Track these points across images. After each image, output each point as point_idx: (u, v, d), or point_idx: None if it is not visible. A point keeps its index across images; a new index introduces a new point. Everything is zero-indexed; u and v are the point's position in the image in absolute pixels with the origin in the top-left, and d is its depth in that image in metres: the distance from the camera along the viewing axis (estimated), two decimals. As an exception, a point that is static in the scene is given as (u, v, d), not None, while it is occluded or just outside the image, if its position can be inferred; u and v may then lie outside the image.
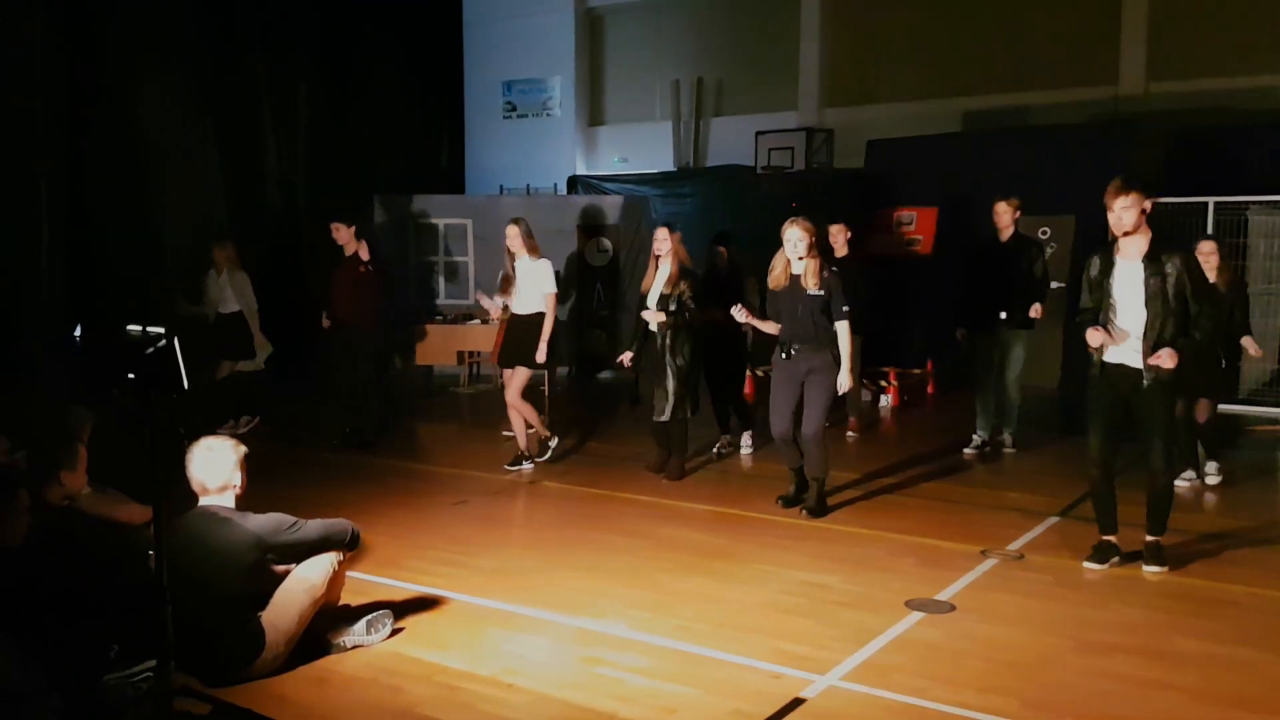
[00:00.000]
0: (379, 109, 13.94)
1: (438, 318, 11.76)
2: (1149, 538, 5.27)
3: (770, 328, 6.22)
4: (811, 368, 6.05)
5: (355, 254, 8.16)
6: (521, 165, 15.80)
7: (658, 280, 7.03)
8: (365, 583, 4.99)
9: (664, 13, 15.82)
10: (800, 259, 6.03)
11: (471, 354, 11.81)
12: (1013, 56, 12.83)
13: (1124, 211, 4.94)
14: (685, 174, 15.29)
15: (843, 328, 6.02)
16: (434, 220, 12.39)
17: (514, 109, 16.85)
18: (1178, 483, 6.35)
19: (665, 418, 7.02)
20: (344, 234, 8.16)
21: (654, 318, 6.96)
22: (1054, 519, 6.22)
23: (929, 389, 10.92)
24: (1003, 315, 7.71)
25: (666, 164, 15.63)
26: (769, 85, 14.97)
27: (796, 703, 3.77)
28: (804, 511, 6.22)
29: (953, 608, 4.74)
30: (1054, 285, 8.54)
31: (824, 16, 14.41)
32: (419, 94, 14.99)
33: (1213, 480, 6.90)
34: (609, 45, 16.46)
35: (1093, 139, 11.09)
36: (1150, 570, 5.18)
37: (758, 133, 13.87)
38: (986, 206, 8.06)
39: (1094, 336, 5.06)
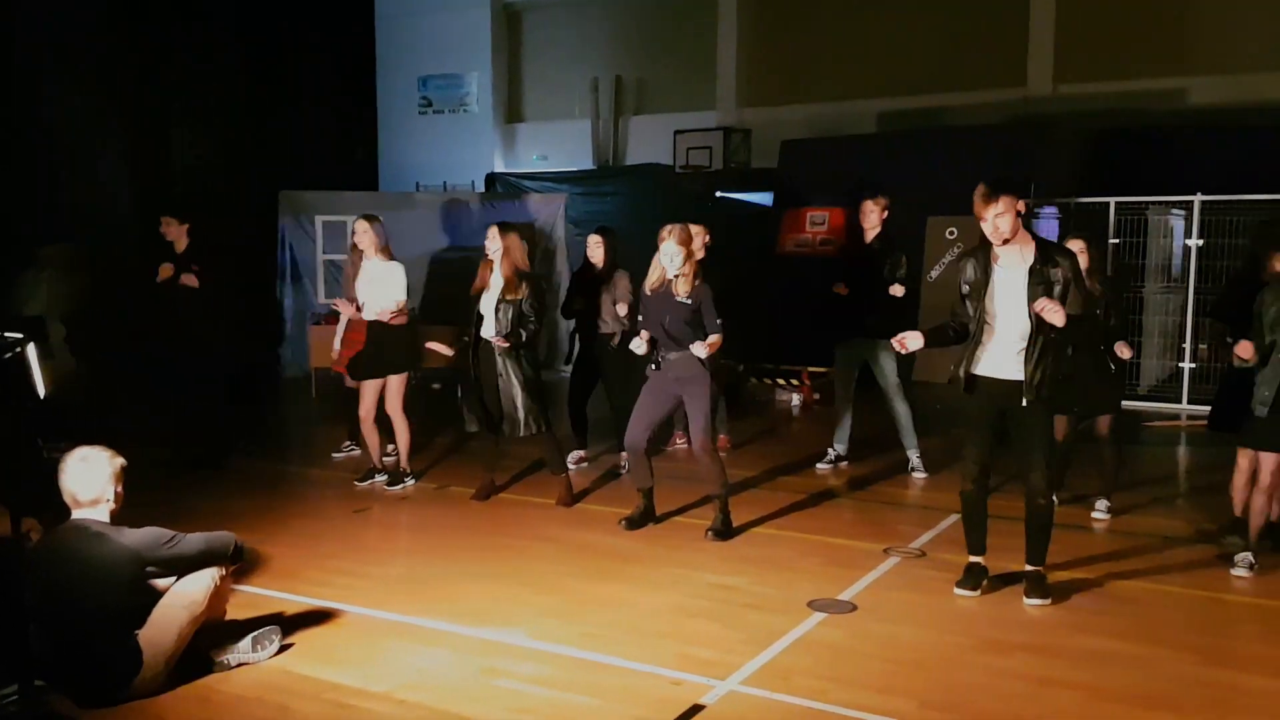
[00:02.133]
0: (291, 103, 13.61)
1: (319, 318, 11.43)
2: (1029, 566, 4.88)
3: (640, 346, 5.86)
4: (681, 378, 5.74)
5: (186, 253, 7.39)
6: (438, 162, 15.58)
7: (492, 285, 6.39)
8: (258, 597, 4.81)
9: (583, 10, 15.73)
10: (678, 271, 5.71)
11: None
12: (926, 59, 13.03)
13: (998, 219, 4.53)
14: (605, 172, 15.22)
15: (716, 338, 5.69)
16: (343, 217, 12.10)
17: (430, 105, 16.60)
18: (1096, 514, 6.26)
19: (519, 434, 6.43)
20: (174, 230, 7.41)
21: (442, 350, 6.67)
22: (955, 516, 6.24)
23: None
24: (863, 323, 7.19)
25: (586, 162, 15.56)
26: (688, 84, 15.00)
27: (696, 709, 3.72)
28: (709, 533, 5.85)
29: (854, 607, 4.74)
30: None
31: (742, 17, 14.47)
32: (332, 88, 14.68)
33: (1100, 518, 6.27)
34: (527, 42, 16.32)
35: (1002, 140, 11.31)
36: (1032, 603, 4.78)
37: (676, 131, 13.88)
38: (897, 208, 8.01)
39: (913, 340, 4.81)
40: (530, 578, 5.17)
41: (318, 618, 4.58)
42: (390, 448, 7.20)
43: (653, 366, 5.85)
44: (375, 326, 6.81)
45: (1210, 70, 11.57)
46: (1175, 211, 10.69)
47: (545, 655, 4.22)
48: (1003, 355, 4.69)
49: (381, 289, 6.80)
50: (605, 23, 15.61)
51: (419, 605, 4.76)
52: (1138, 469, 7.46)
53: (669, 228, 5.71)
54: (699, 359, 5.66)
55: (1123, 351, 6.06)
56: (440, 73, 16.35)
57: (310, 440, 8.97)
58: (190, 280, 7.31)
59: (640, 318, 5.95)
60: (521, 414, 6.37)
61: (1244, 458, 5.57)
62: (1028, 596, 4.83)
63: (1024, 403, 4.63)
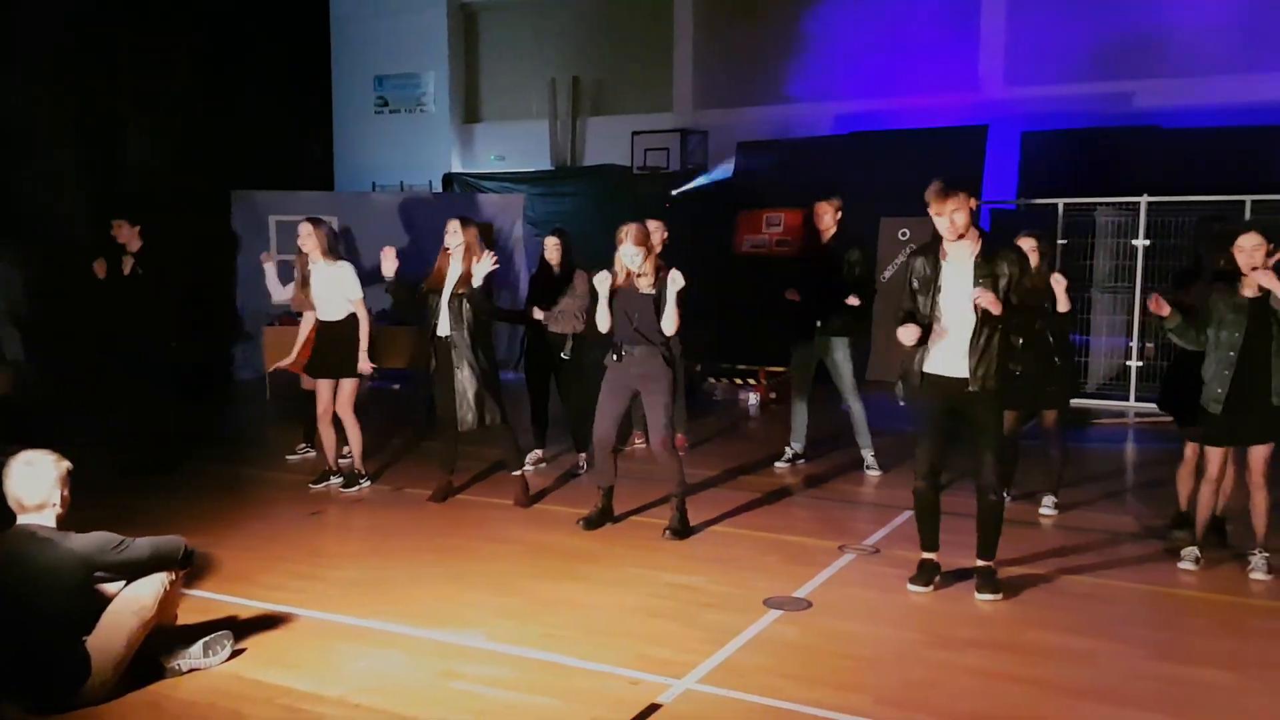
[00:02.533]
0: (245, 102, 13.42)
1: (299, 318, 11.30)
2: (980, 561, 4.95)
3: (603, 319, 5.82)
4: (644, 373, 5.75)
5: (136, 254, 7.41)
6: (395, 162, 15.47)
7: (450, 278, 6.37)
8: (210, 601, 4.75)
9: (540, 11, 15.70)
10: (640, 274, 5.73)
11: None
12: (880, 62, 13.16)
13: (955, 214, 4.63)
14: (563, 173, 15.21)
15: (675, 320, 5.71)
16: (296, 217, 11.95)
17: (386, 104, 16.47)
18: (1044, 510, 6.36)
19: (472, 426, 6.36)
20: (126, 232, 7.42)
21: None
22: (908, 512, 6.31)
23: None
24: (819, 323, 7.26)
25: (544, 163, 15.53)
26: (645, 86, 15.02)
27: (653, 708, 3.73)
28: (667, 533, 5.85)
29: (810, 605, 4.78)
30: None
31: (698, 19, 14.52)
32: (287, 87, 14.48)
33: (1048, 514, 6.37)
34: (484, 42, 16.26)
35: (954, 142, 11.47)
36: (983, 598, 4.86)
37: (634, 133, 13.89)
38: (851, 209, 8.08)
39: (906, 333, 4.77)
40: (488, 579, 5.15)
41: (270, 622, 4.52)
42: (346, 449, 7.15)
43: (614, 358, 5.83)
44: (330, 328, 6.80)
45: (1155, 73, 11.81)
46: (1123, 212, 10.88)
47: (503, 657, 4.21)
48: (953, 352, 4.76)
49: (336, 289, 6.78)
50: (563, 23, 15.59)
51: (374, 608, 4.72)
52: (1087, 466, 7.59)
53: (625, 228, 5.73)
54: (662, 356, 5.71)
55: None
56: (396, 72, 16.23)
57: (264, 442, 8.86)
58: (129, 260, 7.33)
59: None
60: (474, 408, 6.32)
61: (1190, 451, 5.69)
62: (979, 592, 4.89)
63: (970, 391, 4.69)
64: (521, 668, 4.11)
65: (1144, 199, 10.32)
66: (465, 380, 6.32)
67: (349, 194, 13.60)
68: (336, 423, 6.94)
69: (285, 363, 7.60)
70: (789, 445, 7.72)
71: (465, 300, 6.26)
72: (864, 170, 11.32)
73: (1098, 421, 9.69)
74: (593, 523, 6.02)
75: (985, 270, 4.67)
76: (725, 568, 5.32)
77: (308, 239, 6.79)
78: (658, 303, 5.71)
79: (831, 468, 7.62)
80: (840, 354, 7.28)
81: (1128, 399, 10.37)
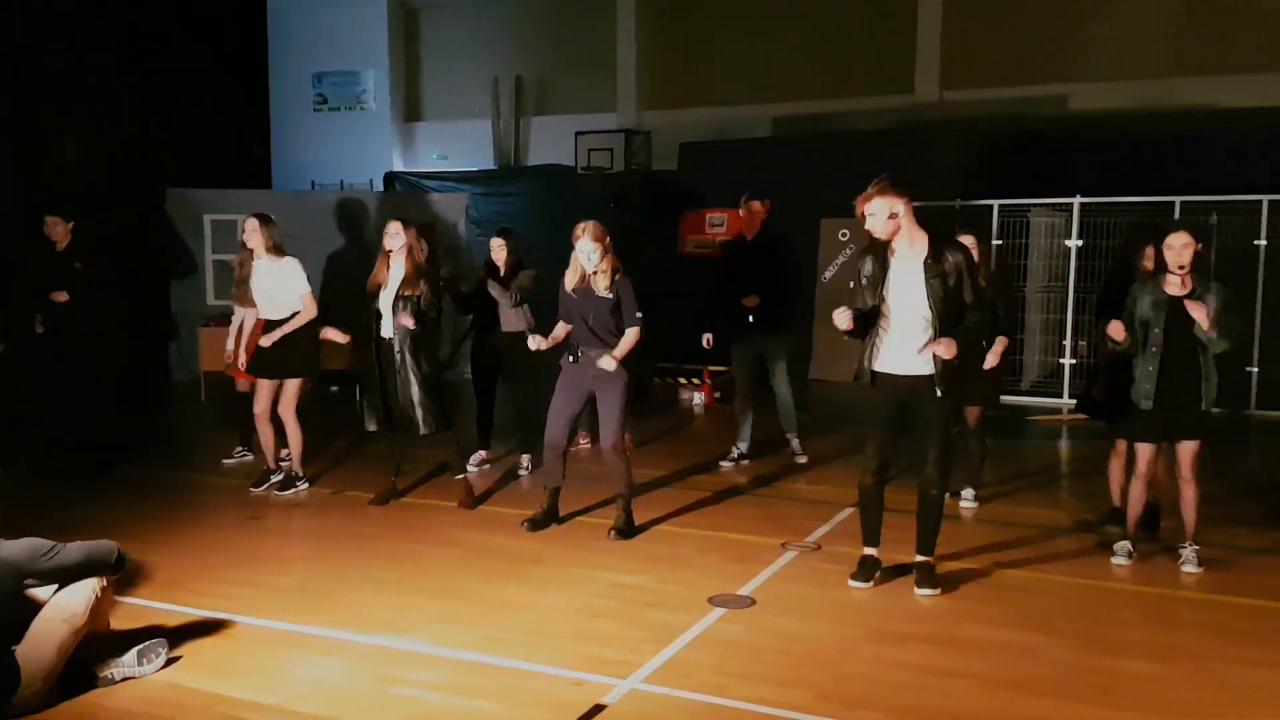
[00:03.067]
0: (180, 98, 13.13)
1: (209, 321, 11.08)
2: (919, 557, 5.02)
3: (561, 330, 5.91)
4: (599, 374, 5.75)
5: (68, 251, 7.36)
6: (334, 160, 15.30)
7: (391, 280, 6.30)
8: (143, 608, 4.65)
9: (482, 9, 15.62)
10: (595, 271, 5.75)
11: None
12: (819, 65, 13.32)
13: (874, 215, 4.71)
14: (507, 173, 15.15)
15: (632, 333, 5.77)
16: (232, 216, 11.75)
17: (325, 101, 16.28)
18: (964, 503, 6.48)
19: (420, 432, 6.34)
20: (59, 230, 7.35)
21: (337, 337, 6.48)
22: (850, 509, 6.41)
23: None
24: (750, 319, 7.34)
25: (487, 162, 15.46)
26: (589, 86, 15.03)
27: (598, 709, 3.73)
28: (612, 533, 5.86)
29: (753, 602, 4.82)
30: (851, 285, 8.68)
31: (640, 20, 14.56)
32: (223, 84, 14.20)
33: (968, 506, 6.52)
34: (425, 39, 16.14)
35: (891, 144, 11.64)
36: (922, 593, 4.92)
37: (578, 133, 13.88)
38: (792, 210, 8.19)
39: (840, 317, 4.74)
40: (430, 583, 5.11)
41: (206, 629, 4.44)
42: (285, 452, 7.06)
43: (570, 359, 5.85)
44: (270, 326, 6.71)
45: (1088, 77, 12.09)
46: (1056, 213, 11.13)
47: (445, 661, 4.17)
48: (903, 350, 4.80)
49: (283, 286, 6.69)
50: (505, 22, 15.53)
51: (313, 614, 4.66)
52: (1021, 462, 7.74)
53: (582, 225, 5.73)
54: (617, 357, 5.71)
55: (993, 357, 6.22)
56: (335, 69, 16.05)
57: (199, 445, 8.69)
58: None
59: (560, 313, 5.95)
60: (419, 413, 6.29)
61: (1121, 447, 5.84)
62: (918, 587, 4.96)
63: (937, 394, 4.75)
64: (464, 671, 4.08)
65: (1077, 200, 10.56)
66: (407, 385, 6.27)
67: (288, 193, 13.39)
68: (276, 423, 6.85)
69: (238, 363, 7.42)
70: (735, 445, 7.76)
71: (408, 303, 6.19)
72: (804, 171, 11.45)
73: (1033, 419, 9.89)
74: (538, 524, 6.01)
75: (934, 270, 4.71)
76: (669, 567, 5.33)
77: (254, 234, 6.71)
78: (614, 304, 5.73)
79: (775, 467, 7.68)
80: (777, 349, 7.44)
81: (1061, 396, 10.61)
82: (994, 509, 6.50)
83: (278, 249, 6.74)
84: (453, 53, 15.86)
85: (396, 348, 6.27)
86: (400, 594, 4.95)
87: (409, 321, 6.14)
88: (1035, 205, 10.90)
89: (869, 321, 4.86)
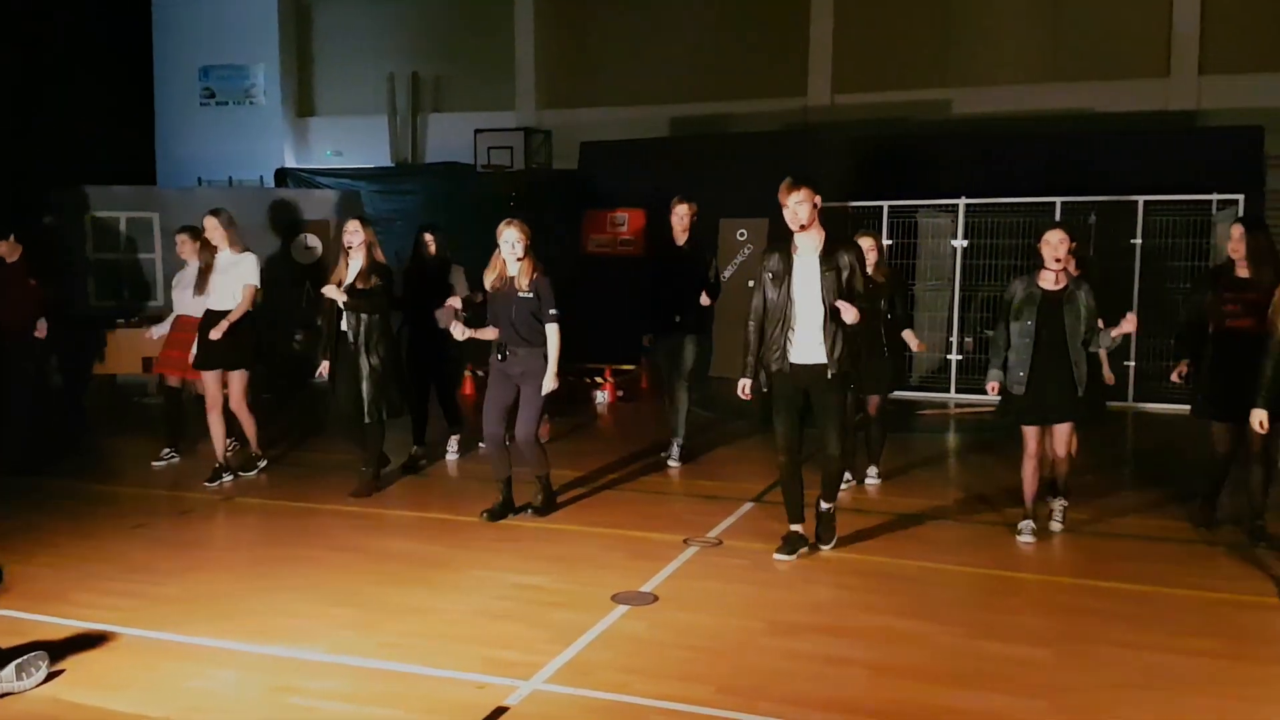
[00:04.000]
0: (59, 93, 12.58)
1: (119, 321, 10.71)
2: (823, 504, 5.51)
3: (489, 334, 6.07)
4: (525, 370, 6.00)
5: (17, 263, 7.58)
6: (223, 156, 14.84)
7: (349, 274, 6.66)
8: (20, 621, 4.45)
9: (376, 4, 15.37)
10: (517, 260, 5.95)
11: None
12: (716, 68, 13.49)
13: (798, 206, 5.10)
14: (404, 170, 14.93)
15: (552, 330, 5.97)
16: (115, 214, 11.31)
17: (213, 96, 15.80)
18: (869, 480, 6.96)
19: (366, 420, 6.62)
20: (3, 247, 7.57)
21: (336, 294, 6.55)
22: (750, 504, 6.56)
23: (643, 384, 11.23)
24: (677, 318, 7.53)
25: (383, 159, 15.21)
26: (487, 84, 14.92)
27: (500, 711, 3.71)
28: (530, 510, 6.18)
29: (656, 598, 4.86)
30: (751, 284, 8.88)
31: (539, 19, 14.51)
32: (105, 78, 13.65)
33: (872, 483, 7.01)
34: (318, 33, 15.79)
35: (785, 146, 11.85)
36: (824, 548, 5.52)
37: (477, 131, 13.76)
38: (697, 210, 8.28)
39: (743, 387, 5.40)
40: (326, 590, 5.01)
41: (89, 642, 4.27)
42: (230, 442, 7.33)
43: (498, 357, 6.05)
44: (218, 318, 6.85)
45: (971, 82, 12.52)
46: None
47: (342, 669, 4.10)
48: (806, 342, 5.25)
49: (235, 278, 6.90)
50: (400, 17, 15.30)
51: (203, 625, 4.52)
52: (910, 455, 7.96)
53: (508, 220, 6.02)
54: (544, 355, 5.97)
55: (912, 341, 6.82)
56: (224, 63, 15.59)
57: (85, 451, 8.34)
58: None
59: (488, 315, 6.15)
60: (364, 404, 6.58)
61: (1030, 439, 6.02)
62: (820, 543, 5.53)
63: (829, 376, 5.20)
64: (362, 679, 4.01)
65: (962, 201, 10.91)
66: (362, 376, 6.56)
67: (173, 190, 12.91)
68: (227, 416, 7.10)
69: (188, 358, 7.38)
70: (674, 442, 7.76)
71: (359, 295, 6.54)
72: (702, 172, 11.57)
73: (922, 413, 10.19)
74: (496, 514, 6.15)
75: (829, 264, 5.16)
76: (571, 566, 5.34)
77: (214, 231, 6.94)
78: (535, 303, 5.95)
79: (680, 465, 7.73)
80: (691, 348, 7.59)
81: (949, 391, 10.95)
82: (885, 501, 6.68)
83: (237, 243, 6.98)
84: (347, 47, 15.56)
85: (351, 340, 6.57)
86: (295, 602, 4.84)
87: (338, 294, 6.48)
88: (922, 206, 11.23)
89: (752, 344, 5.38)
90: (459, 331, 6.04)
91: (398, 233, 13.28)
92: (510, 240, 5.93)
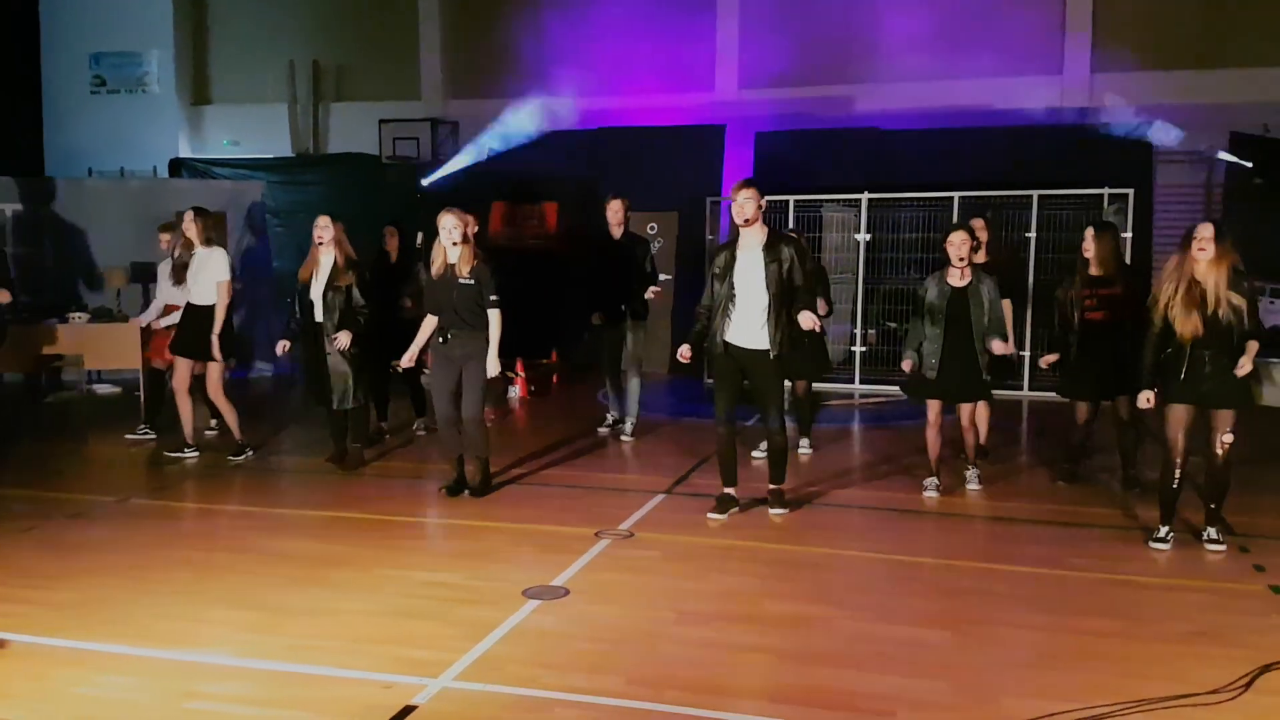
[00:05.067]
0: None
1: (6, 318, 10.21)
2: (772, 486, 6.17)
3: (425, 330, 6.37)
4: (467, 354, 6.27)
5: None
6: (114, 145, 14.33)
7: (321, 271, 7.00)
8: (-103, 635, 4.24)
9: (274, -10, 14.97)
10: (454, 245, 6.20)
11: (55, 358, 10.43)
12: (623, 60, 13.50)
13: (746, 202, 5.72)
14: (306, 161, 14.60)
15: (494, 316, 6.26)
16: (1, 206, 10.84)
17: (104, 84, 15.21)
18: (802, 450, 7.75)
19: (348, 405, 7.12)
20: None
21: (344, 339, 6.96)
22: (661, 496, 6.61)
23: (554, 379, 11.20)
24: (622, 307, 8.12)
25: (284, 149, 14.84)
26: (391, 73, 14.66)
27: (408, 710, 3.67)
28: (466, 492, 6.47)
29: (567, 592, 4.86)
30: (662, 277, 9.05)
31: (444, 7, 14.32)
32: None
33: (804, 453, 7.77)
34: (214, 19, 15.32)
35: (695, 141, 11.94)
36: (776, 513, 6.09)
37: (381, 121, 13.52)
38: (602, 204, 8.38)
39: (683, 351, 5.97)
40: (226, 593, 4.88)
41: (-25, 653, 4.10)
42: (215, 422, 8.04)
43: (440, 340, 6.34)
44: (197, 311, 7.27)
45: (873, 80, 12.78)
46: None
47: (245, 672, 4.01)
48: (747, 326, 5.83)
49: (208, 272, 7.25)
50: (300, 4, 14.94)
51: (97, 630, 4.38)
52: (815, 444, 8.10)
53: (447, 207, 6.34)
54: (484, 337, 6.25)
55: (805, 321, 7.00)
56: (115, 50, 15.01)
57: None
58: None
59: (426, 302, 6.46)
60: (341, 388, 7.05)
61: (933, 409, 6.64)
62: (773, 508, 6.13)
63: (769, 359, 5.79)
64: (266, 682, 3.92)
65: (865, 196, 11.14)
66: (334, 365, 7.00)
67: (62, 180, 12.40)
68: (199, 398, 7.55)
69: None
70: (609, 413, 8.51)
71: (339, 295, 6.92)
72: (612, 165, 11.60)
73: (827, 404, 10.37)
74: (453, 490, 6.51)
75: (771, 256, 5.74)
76: (482, 562, 5.31)
77: (190, 226, 7.29)
78: (476, 289, 6.22)
79: (588, 458, 7.77)
80: (634, 335, 8.22)
81: (854, 382, 11.18)
82: (791, 491, 6.73)
83: (210, 239, 7.37)
84: (244, 34, 15.13)
85: (326, 332, 6.96)
86: (194, 605, 4.71)
87: (346, 341, 6.93)
88: (827, 201, 11.43)
89: (700, 330, 6.00)
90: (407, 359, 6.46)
91: (300, 224, 13.03)
92: (448, 227, 6.18)
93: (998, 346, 6.23)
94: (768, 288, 5.73)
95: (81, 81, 14.91)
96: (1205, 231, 5.30)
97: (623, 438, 8.30)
